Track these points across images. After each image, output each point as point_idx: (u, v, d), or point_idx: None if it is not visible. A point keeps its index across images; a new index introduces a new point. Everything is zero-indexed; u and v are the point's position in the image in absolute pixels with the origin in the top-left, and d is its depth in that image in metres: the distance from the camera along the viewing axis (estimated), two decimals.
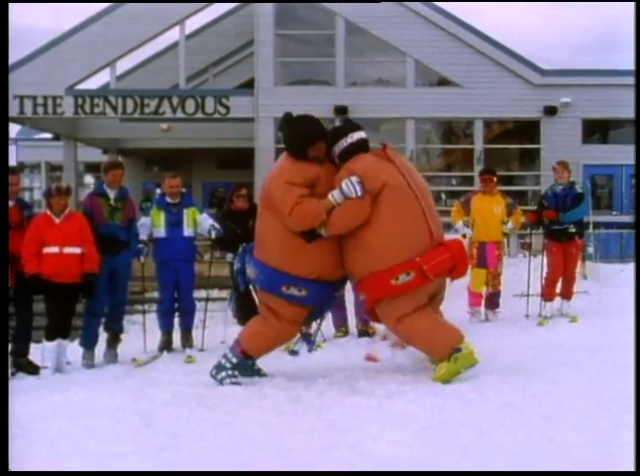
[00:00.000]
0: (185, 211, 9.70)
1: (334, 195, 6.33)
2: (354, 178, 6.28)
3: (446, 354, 6.26)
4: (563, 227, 11.04)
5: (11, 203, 8.27)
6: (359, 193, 6.24)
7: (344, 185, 6.30)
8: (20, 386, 7.64)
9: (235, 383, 6.48)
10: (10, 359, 8.45)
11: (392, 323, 6.53)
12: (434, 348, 6.43)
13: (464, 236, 11.62)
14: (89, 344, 9.25)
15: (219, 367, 6.64)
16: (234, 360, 6.62)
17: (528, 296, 11.53)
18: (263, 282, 6.71)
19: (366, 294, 6.53)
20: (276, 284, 6.50)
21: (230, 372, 6.58)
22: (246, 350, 6.63)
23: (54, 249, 8.48)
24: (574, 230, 11.09)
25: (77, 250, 8.59)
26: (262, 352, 6.79)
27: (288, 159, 6.68)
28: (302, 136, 6.60)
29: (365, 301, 6.65)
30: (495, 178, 11.75)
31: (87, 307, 9.21)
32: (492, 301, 11.63)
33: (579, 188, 11.48)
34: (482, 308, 11.60)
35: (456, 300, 12.28)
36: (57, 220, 8.59)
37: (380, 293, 6.38)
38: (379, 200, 6.33)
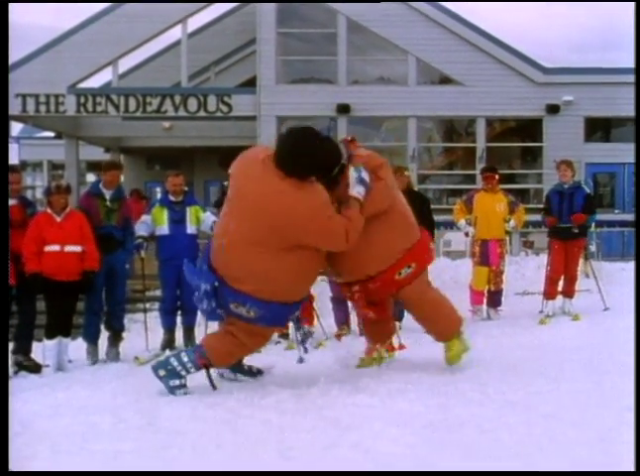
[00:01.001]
0: (188, 209, 9.73)
1: (359, 192, 6.03)
2: (361, 167, 6.16)
3: (456, 331, 6.62)
4: (566, 226, 11.02)
5: (13, 202, 8.29)
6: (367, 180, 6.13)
7: (363, 175, 6.09)
8: (22, 384, 7.65)
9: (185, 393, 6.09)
10: (12, 358, 8.48)
11: (419, 297, 6.58)
12: (445, 328, 6.65)
13: (466, 234, 11.60)
14: (92, 339, 9.35)
15: (172, 372, 6.12)
16: (192, 370, 6.14)
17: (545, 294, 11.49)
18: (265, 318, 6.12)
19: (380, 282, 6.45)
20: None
21: (183, 381, 6.13)
22: (208, 364, 6.17)
23: (55, 247, 8.51)
24: (576, 230, 11.07)
25: (78, 248, 8.63)
26: (223, 365, 6.54)
27: (294, 180, 5.87)
28: (335, 156, 6.12)
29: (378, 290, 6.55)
30: (497, 176, 11.75)
31: (86, 306, 9.30)
32: (494, 299, 11.62)
33: (587, 188, 11.47)
34: (484, 307, 11.59)
35: (456, 297, 12.32)
36: (58, 219, 8.62)
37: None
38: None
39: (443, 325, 6.67)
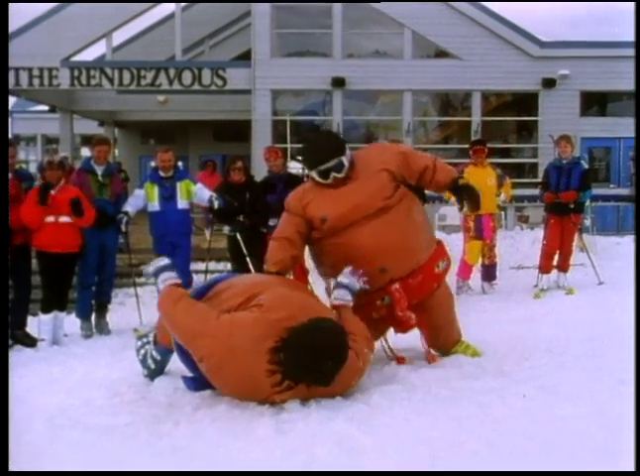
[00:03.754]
0: (178, 184, 9.74)
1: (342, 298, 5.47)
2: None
3: (458, 340, 6.24)
4: (563, 201, 11.00)
5: (8, 176, 8.28)
6: None
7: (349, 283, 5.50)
8: (17, 359, 7.67)
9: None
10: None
11: (447, 298, 6.22)
12: (455, 329, 6.27)
13: (460, 209, 11.53)
14: (84, 314, 9.48)
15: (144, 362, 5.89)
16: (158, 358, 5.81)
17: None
18: None
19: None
20: None
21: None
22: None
23: (50, 218, 8.59)
24: (572, 205, 11.06)
25: (71, 220, 8.67)
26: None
27: None
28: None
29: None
30: (486, 150, 11.71)
31: (78, 280, 9.36)
32: (489, 273, 11.66)
33: (585, 164, 11.45)
34: (478, 281, 11.61)
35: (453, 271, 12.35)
36: (52, 192, 8.63)
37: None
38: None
39: (457, 328, 6.28)
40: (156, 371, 5.71)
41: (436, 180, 5.96)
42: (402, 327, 5.93)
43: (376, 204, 5.65)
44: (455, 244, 14.92)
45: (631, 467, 3.42)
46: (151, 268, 5.47)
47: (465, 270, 11.56)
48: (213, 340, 4.63)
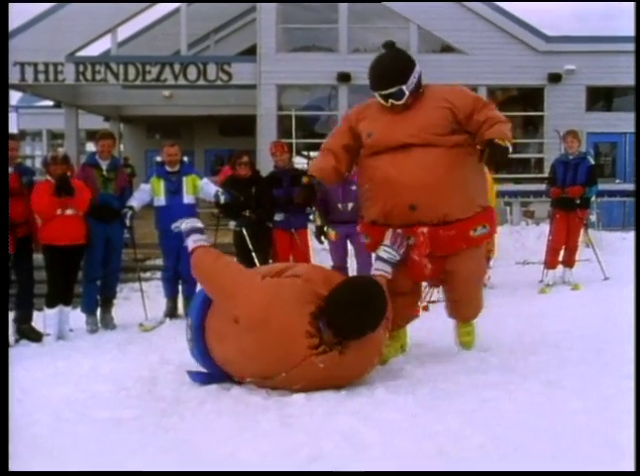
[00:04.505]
0: (184, 179, 9.74)
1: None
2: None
3: (476, 316, 6.21)
4: (569, 196, 11.00)
5: (10, 170, 8.30)
6: None
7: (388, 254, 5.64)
8: (23, 353, 7.69)
9: None
10: (13, 326, 8.54)
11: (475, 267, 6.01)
12: (476, 303, 6.16)
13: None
14: (90, 309, 9.47)
15: None
16: None
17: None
18: None
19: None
20: None
21: None
22: None
23: (56, 211, 8.57)
24: (578, 201, 11.06)
25: (77, 212, 8.70)
26: None
27: None
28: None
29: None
30: None
31: (84, 273, 9.36)
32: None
33: (591, 160, 11.43)
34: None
35: None
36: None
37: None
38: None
39: (474, 306, 6.16)
40: None
41: (481, 133, 5.55)
42: (413, 274, 5.77)
43: (423, 137, 5.54)
44: None
45: (632, 466, 3.41)
46: (183, 225, 5.81)
47: None
48: (259, 297, 4.72)
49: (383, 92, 5.64)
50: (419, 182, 5.48)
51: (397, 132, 5.61)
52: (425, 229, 5.61)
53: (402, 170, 5.53)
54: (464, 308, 6.17)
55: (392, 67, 5.74)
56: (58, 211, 8.62)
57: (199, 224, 5.73)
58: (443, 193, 5.50)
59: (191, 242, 5.55)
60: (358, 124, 5.84)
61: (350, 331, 4.69)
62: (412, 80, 5.66)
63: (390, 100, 5.64)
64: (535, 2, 35.23)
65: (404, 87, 5.60)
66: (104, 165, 9.40)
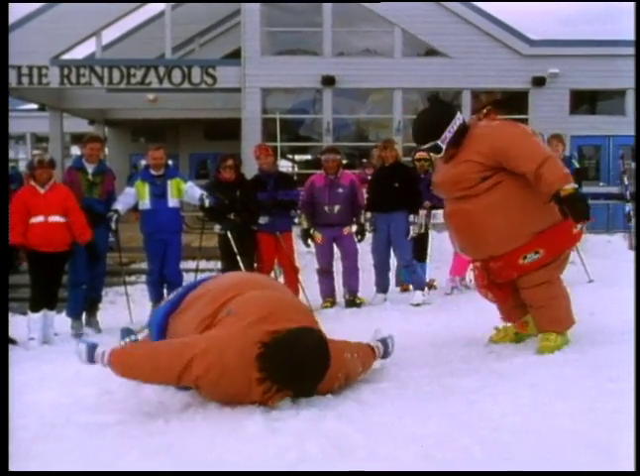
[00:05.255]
0: (169, 182, 9.73)
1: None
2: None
3: (561, 329, 6.11)
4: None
5: None
6: None
7: None
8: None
9: None
10: None
11: (534, 285, 6.04)
12: (560, 319, 6.13)
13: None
14: (75, 313, 9.43)
15: None
16: None
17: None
18: None
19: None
20: None
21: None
22: None
23: (40, 218, 8.55)
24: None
25: (62, 219, 8.66)
26: None
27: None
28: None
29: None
30: None
31: (70, 278, 9.32)
32: None
33: (576, 163, 11.48)
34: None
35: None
36: (42, 190, 8.64)
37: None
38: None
39: (554, 325, 6.11)
40: None
41: (538, 189, 5.59)
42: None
43: (453, 193, 5.93)
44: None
45: (630, 466, 3.43)
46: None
47: (462, 266, 11.51)
48: (208, 361, 4.54)
49: (421, 147, 6.16)
50: (458, 231, 6.09)
51: (438, 184, 6.19)
52: (478, 263, 6.20)
53: (447, 217, 6.17)
54: (539, 324, 6.19)
55: (428, 123, 5.98)
56: (41, 218, 8.55)
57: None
58: (481, 238, 5.90)
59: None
60: None
61: (290, 390, 4.64)
62: (447, 135, 5.82)
63: (431, 154, 6.06)
64: (528, 2, 35.38)
65: (439, 142, 5.83)
66: (90, 168, 9.37)
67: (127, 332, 5.99)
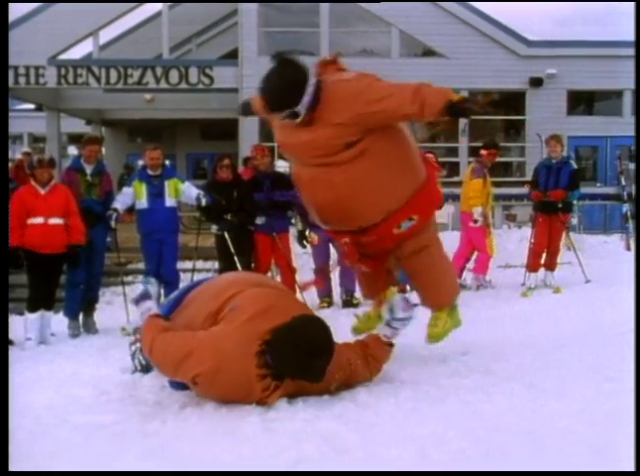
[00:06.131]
0: (166, 182, 9.74)
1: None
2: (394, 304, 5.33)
3: (448, 302, 5.91)
4: (551, 200, 11.07)
5: None
6: None
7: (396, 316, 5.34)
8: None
9: None
10: None
11: (413, 252, 5.67)
12: (444, 289, 5.89)
13: (475, 221, 11.41)
14: (73, 313, 9.43)
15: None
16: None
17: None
18: None
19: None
20: None
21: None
22: None
23: (39, 220, 8.53)
24: (560, 205, 11.12)
25: (61, 221, 8.63)
26: None
27: None
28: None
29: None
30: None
31: (67, 278, 9.32)
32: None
33: (574, 164, 11.50)
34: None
35: None
36: (43, 191, 8.63)
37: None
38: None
39: (442, 292, 5.89)
40: (142, 370, 5.71)
41: (424, 119, 5.23)
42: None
43: (310, 159, 5.31)
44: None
45: (628, 466, 3.42)
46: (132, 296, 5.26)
47: (485, 265, 11.61)
48: (203, 355, 4.54)
49: (278, 115, 5.23)
50: (320, 203, 5.47)
51: (292, 150, 5.50)
52: (347, 239, 5.62)
53: (304, 188, 5.53)
54: (428, 296, 5.91)
55: (281, 89, 5.14)
56: (41, 220, 8.54)
57: (141, 288, 5.11)
58: (346, 210, 5.35)
59: (140, 315, 5.04)
60: (272, 128, 5.63)
61: (297, 377, 4.60)
62: (306, 99, 5.08)
63: (286, 119, 5.19)
64: (526, 3, 35.39)
65: (296, 109, 5.08)
66: (89, 169, 9.36)
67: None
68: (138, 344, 5.79)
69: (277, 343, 4.50)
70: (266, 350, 4.53)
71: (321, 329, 4.65)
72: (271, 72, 5.24)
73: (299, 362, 4.46)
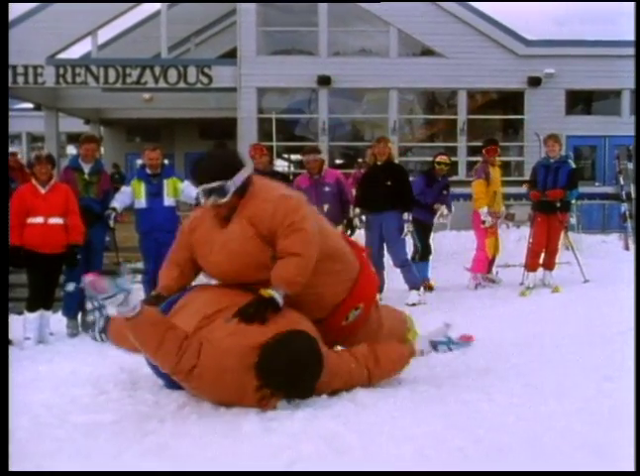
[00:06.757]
0: (165, 182, 9.72)
1: None
2: None
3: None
4: (550, 199, 11.06)
5: None
6: None
7: None
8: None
9: None
10: None
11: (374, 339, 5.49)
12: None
13: (483, 222, 11.46)
14: (71, 313, 9.41)
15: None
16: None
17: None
18: None
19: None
20: None
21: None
22: None
23: (39, 219, 8.51)
24: (558, 204, 11.11)
25: (61, 221, 8.61)
26: None
27: None
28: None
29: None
30: (498, 148, 12.18)
31: (66, 278, 9.29)
32: (491, 265, 12.23)
33: (572, 163, 11.49)
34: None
35: (451, 269, 12.37)
36: (43, 190, 8.61)
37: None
38: None
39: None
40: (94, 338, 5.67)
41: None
42: None
43: (251, 277, 5.04)
44: (442, 242, 14.99)
45: (628, 466, 3.42)
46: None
47: (483, 264, 11.70)
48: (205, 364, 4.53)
49: (207, 186, 5.03)
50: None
51: (218, 271, 5.26)
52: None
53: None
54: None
55: (218, 162, 5.18)
56: (41, 220, 8.53)
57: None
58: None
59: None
60: (191, 236, 5.38)
61: (288, 395, 4.63)
62: (238, 178, 5.02)
63: (214, 196, 5.01)
64: (524, 2, 35.40)
65: (229, 183, 4.98)
66: (86, 168, 9.36)
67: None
68: (97, 316, 5.78)
69: (265, 362, 4.50)
70: (257, 364, 4.53)
71: (307, 349, 4.59)
72: (211, 152, 5.49)
73: (287, 381, 4.49)
